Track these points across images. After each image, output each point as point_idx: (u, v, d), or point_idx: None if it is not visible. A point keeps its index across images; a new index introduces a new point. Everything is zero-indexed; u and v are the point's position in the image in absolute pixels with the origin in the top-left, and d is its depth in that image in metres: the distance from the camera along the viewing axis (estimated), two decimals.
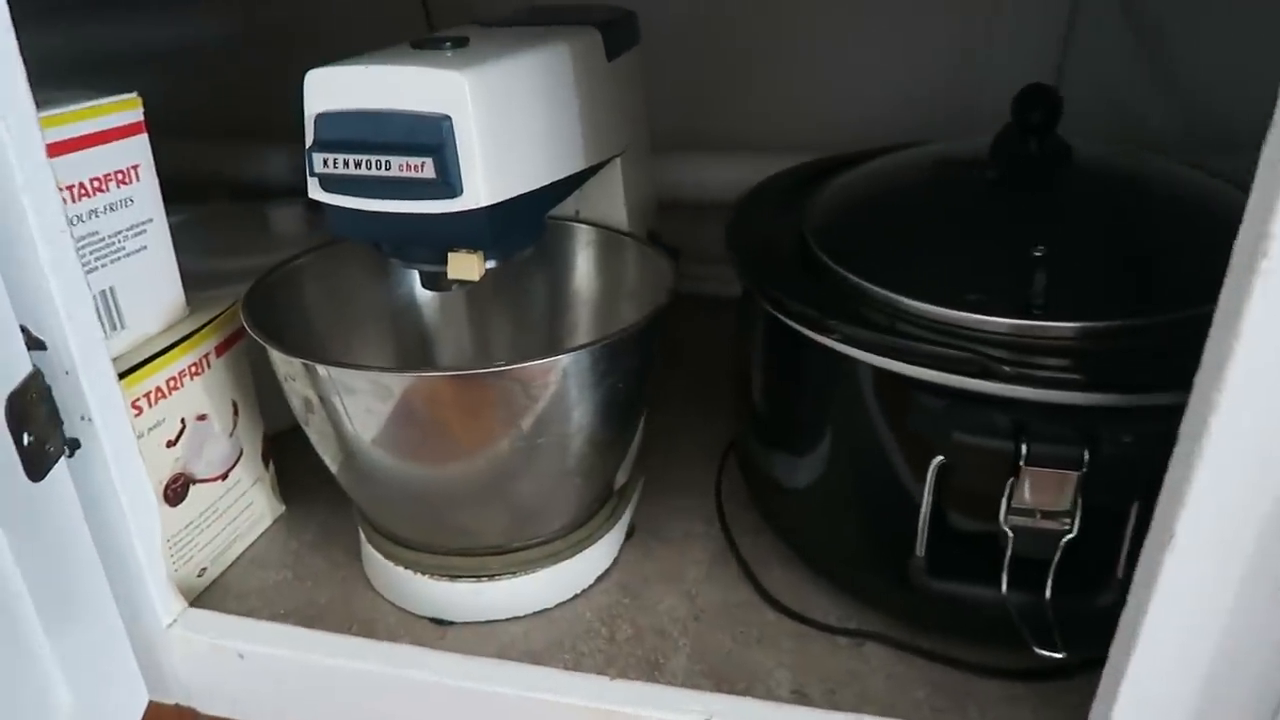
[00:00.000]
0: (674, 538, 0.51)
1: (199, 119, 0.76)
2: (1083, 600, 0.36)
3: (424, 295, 0.52)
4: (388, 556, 0.46)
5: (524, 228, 0.42)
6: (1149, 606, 0.29)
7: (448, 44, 0.38)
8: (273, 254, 0.52)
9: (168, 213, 0.45)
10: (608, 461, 0.47)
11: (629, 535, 0.51)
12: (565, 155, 0.42)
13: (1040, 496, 0.34)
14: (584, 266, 0.52)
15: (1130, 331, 0.35)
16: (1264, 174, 0.24)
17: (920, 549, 0.38)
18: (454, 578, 0.45)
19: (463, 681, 0.39)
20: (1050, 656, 0.34)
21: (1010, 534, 0.35)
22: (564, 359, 0.38)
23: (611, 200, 0.52)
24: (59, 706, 0.35)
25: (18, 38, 0.31)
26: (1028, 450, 0.33)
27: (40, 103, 0.35)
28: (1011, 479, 0.34)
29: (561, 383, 0.39)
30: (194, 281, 0.48)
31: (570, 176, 0.44)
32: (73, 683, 0.35)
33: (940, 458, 0.36)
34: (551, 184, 0.41)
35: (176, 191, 0.63)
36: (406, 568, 0.45)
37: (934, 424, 0.36)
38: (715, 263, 0.53)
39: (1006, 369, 0.33)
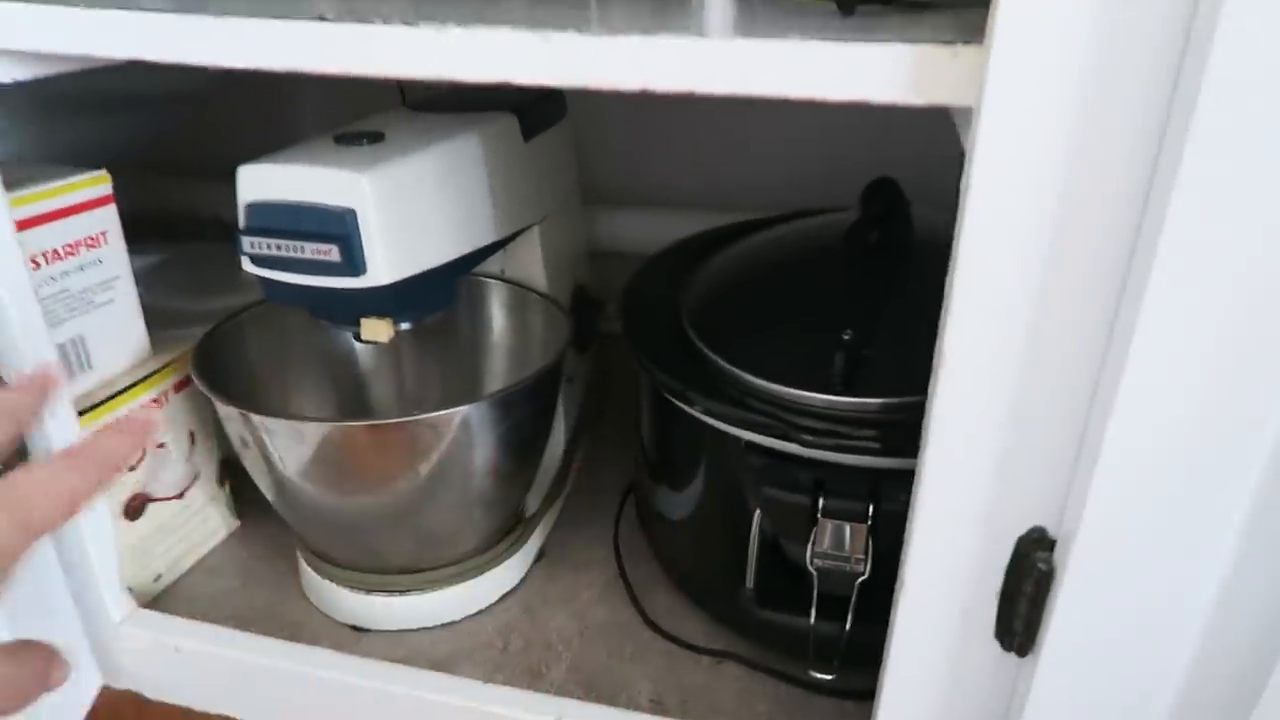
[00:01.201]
0: (577, 562, 0.58)
1: (185, 157, 0.83)
2: (879, 632, 0.42)
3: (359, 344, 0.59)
4: (315, 570, 0.53)
5: (433, 295, 0.49)
6: (893, 643, 0.36)
7: (364, 140, 0.45)
8: (238, 295, 0.59)
9: (148, 253, 0.51)
10: (509, 496, 0.53)
11: (539, 558, 0.58)
12: (471, 233, 0.49)
13: (836, 543, 0.41)
14: (499, 320, 0.59)
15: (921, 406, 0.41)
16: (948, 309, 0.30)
17: (750, 581, 0.44)
18: (369, 591, 0.51)
19: (359, 680, 0.46)
20: (822, 678, 0.40)
21: (815, 573, 0.41)
22: (456, 412, 0.45)
23: (531, 261, 0.58)
24: None
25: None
26: (823, 504, 0.40)
27: (14, 183, 0.42)
28: (814, 527, 0.41)
29: (456, 432, 0.46)
30: (164, 320, 0.55)
31: (480, 249, 0.50)
32: None
33: (760, 506, 0.43)
34: (457, 259, 0.48)
35: (156, 229, 0.70)
36: (329, 580, 0.52)
37: (755, 478, 0.42)
38: None
39: (806, 435, 0.40)
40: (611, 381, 0.72)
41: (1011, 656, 0.34)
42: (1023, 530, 0.32)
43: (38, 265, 0.45)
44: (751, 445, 0.42)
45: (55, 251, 0.46)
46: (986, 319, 0.29)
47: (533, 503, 0.58)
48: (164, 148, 0.85)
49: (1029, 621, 0.32)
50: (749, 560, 0.44)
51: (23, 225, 0.43)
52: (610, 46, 0.30)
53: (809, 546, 0.41)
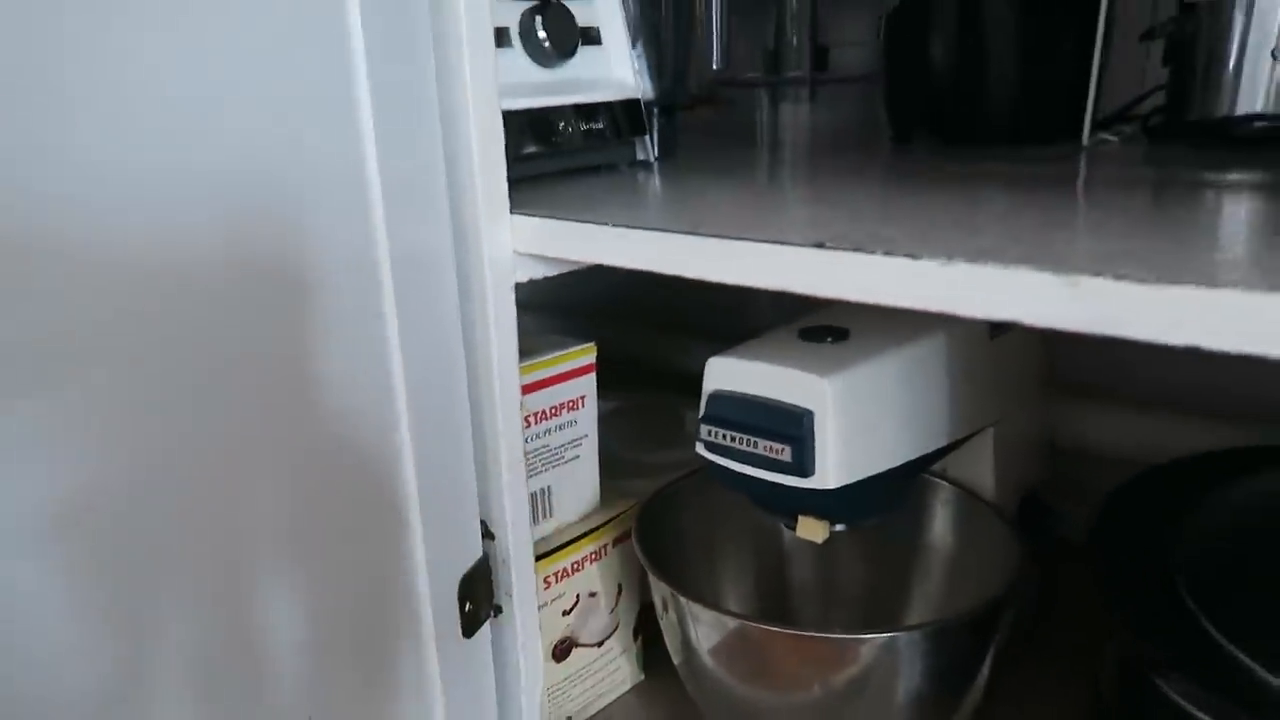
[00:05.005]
0: None
1: (639, 309, 0.91)
2: None
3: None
4: None
5: (877, 499, 0.46)
6: None
7: (829, 337, 0.45)
8: (678, 449, 0.62)
9: (604, 399, 0.56)
10: None
11: None
12: (927, 436, 0.46)
13: None
14: (939, 524, 0.54)
15: None
16: None
17: None
18: None
19: None
20: None
21: None
22: (872, 639, 0.42)
23: (980, 464, 0.53)
24: None
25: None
26: None
27: (522, 353, 0.48)
28: None
29: (871, 659, 0.42)
30: (611, 469, 0.59)
31: (932, 453, 0.47)
32: None
33: None
34: (907, 464, 0.45)
35: (613, 376, 0.76)
36: None
37: None
38: None
39: None
40: (1056, 600, 0.62)
41: None
42: None
43: (529, 424, 0.51)
44: None
45: (542, 413, 0.52)
46: None
47: None
48: (618, 301, 0.94)
49: None
50: None
51: (524, 390, 0.49)
52: (1154, 298, 0.25)
53: None
